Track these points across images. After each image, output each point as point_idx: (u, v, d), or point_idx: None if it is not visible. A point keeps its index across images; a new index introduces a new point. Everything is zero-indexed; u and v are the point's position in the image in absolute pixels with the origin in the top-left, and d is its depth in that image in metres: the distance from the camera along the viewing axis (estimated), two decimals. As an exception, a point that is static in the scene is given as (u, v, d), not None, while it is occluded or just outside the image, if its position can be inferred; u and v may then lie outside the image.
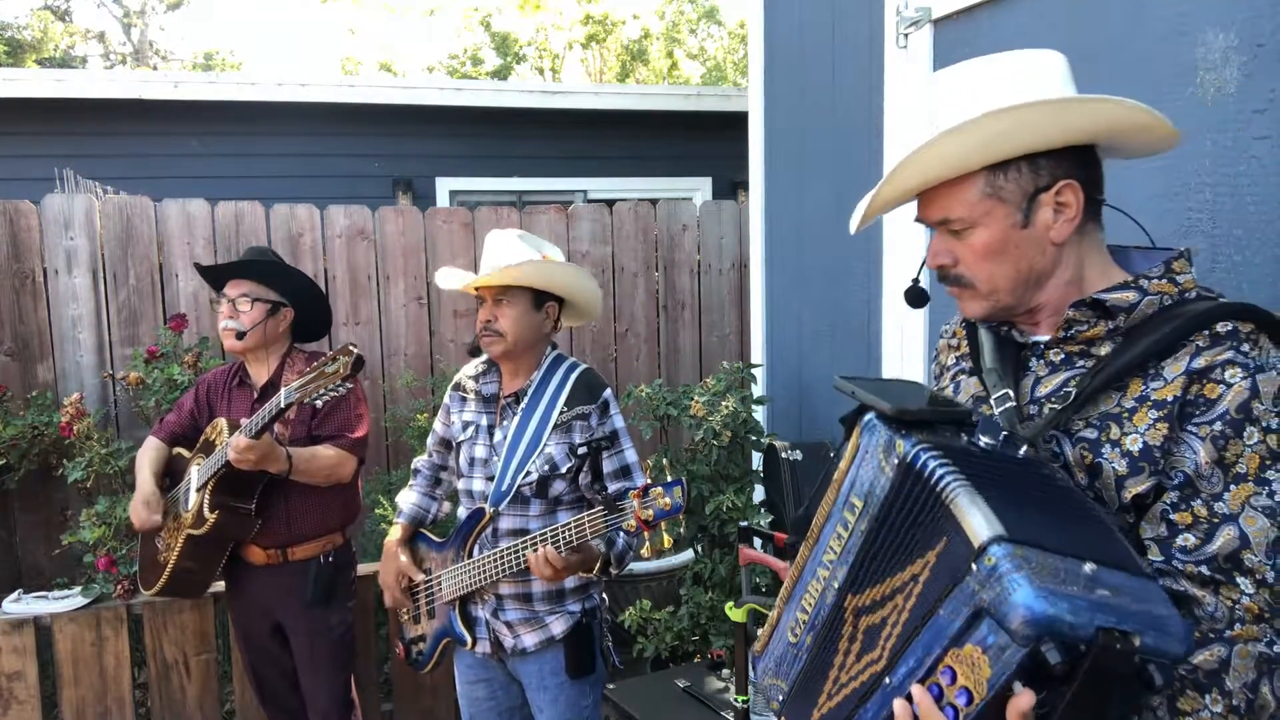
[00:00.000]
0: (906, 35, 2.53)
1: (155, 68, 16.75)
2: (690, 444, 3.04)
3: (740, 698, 2.20)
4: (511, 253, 2.18)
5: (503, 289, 2.14)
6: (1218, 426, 1.00)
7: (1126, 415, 1.05)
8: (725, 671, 2.65)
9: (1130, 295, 1.09)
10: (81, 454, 3.18)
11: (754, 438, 3.01)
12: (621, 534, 2.09)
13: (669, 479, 1.88)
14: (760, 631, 1.23)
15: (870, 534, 1.01)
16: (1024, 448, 1.04)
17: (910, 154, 1.09)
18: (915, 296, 1.31)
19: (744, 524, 2.43)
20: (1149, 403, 1.04)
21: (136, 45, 17.39)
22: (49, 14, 15.80)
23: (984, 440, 1.01)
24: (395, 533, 2.35)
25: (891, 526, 0.98)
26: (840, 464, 1.10)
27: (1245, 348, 1.01)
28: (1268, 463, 0.99)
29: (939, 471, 0.93)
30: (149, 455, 2.61)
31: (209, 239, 3.82)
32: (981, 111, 1.05)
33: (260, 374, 2.59)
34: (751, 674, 1.23)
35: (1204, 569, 0.99)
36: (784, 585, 1.18)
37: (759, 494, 3.09)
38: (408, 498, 2.44)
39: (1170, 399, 1.02)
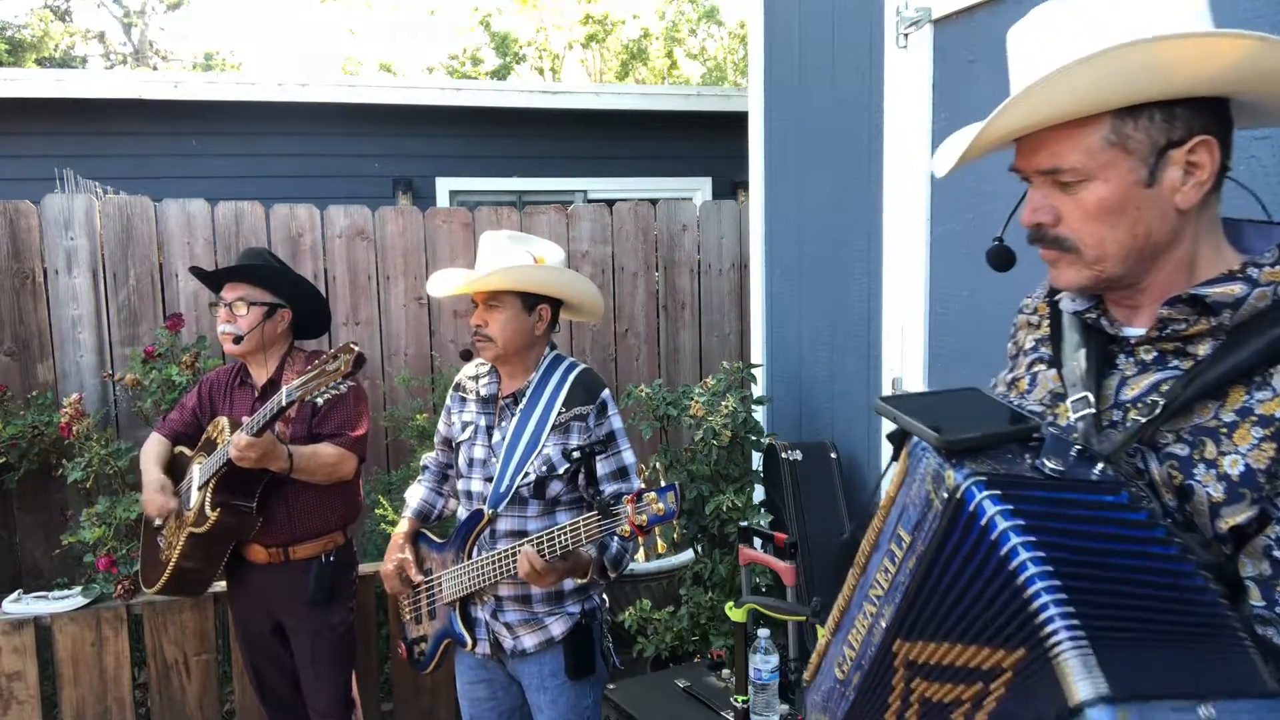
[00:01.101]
0: (906, 35, 2.53)
1: (155, 68, 16.75)
2: (690, 444, 3.04)
3: (740, 698, 2.20)
4: (500, 255, 2.17)
5: (491, 293, 2.13)
6: None
7: (1225, 431, 0.91)
8: (725, 671, 2.65)
9: (1236, 288, 0.93)
10: (81, 454, 3.18)
11: (754, 438, 3.01)
12: (615, 538, 2.08)
13: (663, 484, 1.87)
14: (812, 658, 1.14)
15: (920, 575, 0.91)
16: (1099, 466, 0.90)
17: (1036, 82, 0.91)
18: (1000, 257, 1.13)
19: (744, 524, 2.43)
20: (1253, 417, 0.89)
21: (136, 45, 17.39)
22: (49, 14, 15.81)
23: (1049, 466, 0.88)
24: (402, 525, 2.37)
25: (945, 572, 0.88)
26: (888, 489, 1.00)
27: None
28: None
29: (999, 524, 0.81)
30: (153, 450, 2.62)
31: (209, 239, 3.82)
32: (1119, 41, 0.88)
33: (261, 374, 2.59)
34: (807, 700, 1.15)
35: None
36: (833, 611, 1.08)
37: (759, 494, 3.09)
38: (416, 492, 2.45)
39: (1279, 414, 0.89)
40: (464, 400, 2.33)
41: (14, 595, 3.03)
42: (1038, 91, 0.92)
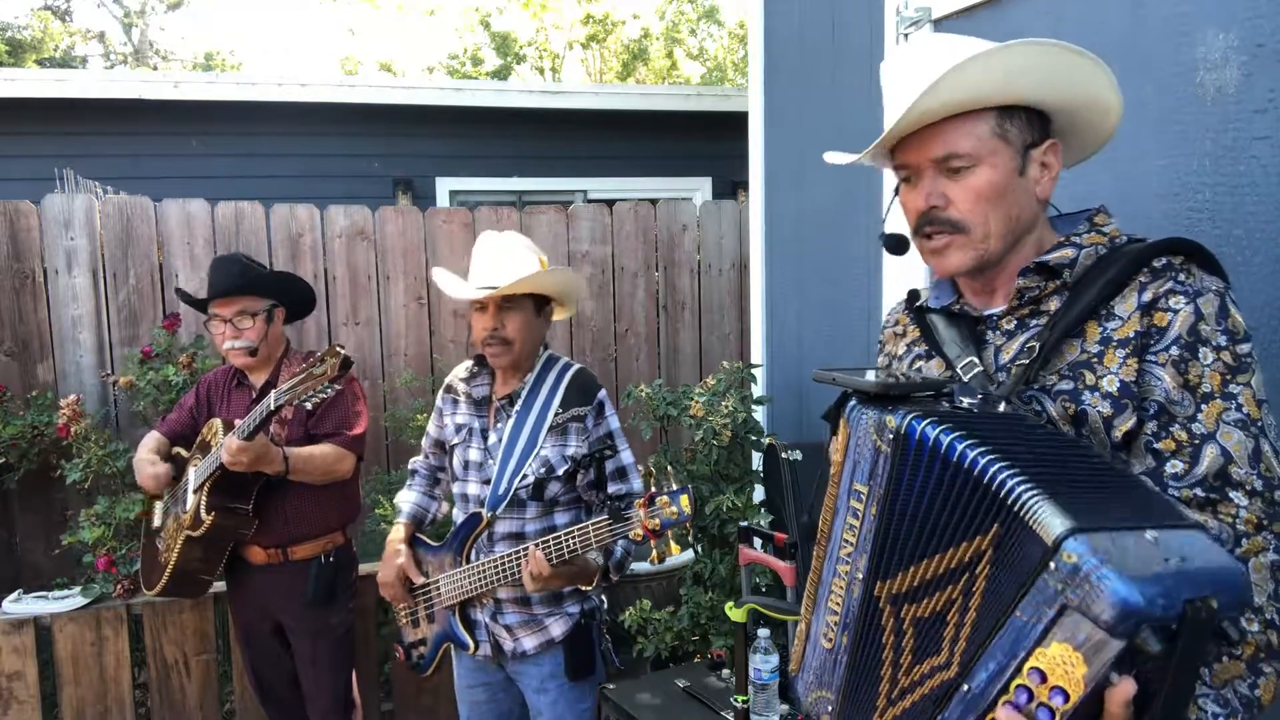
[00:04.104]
0: (906, 35, 2.53)
1: (155, 68, 16.74)
2: (690, 444, 3.04)
3: (740, 698, 2.20)
4: (517, 259, 2.13)
5: (506, 297, 2.09)
6: (1174, 351, 1.04)
7: (1095, 359, 1.09)
8: (725, 671, 2.65)
9: (1069, 252, 1.14)
10: (80, 455, 3.18)
11: (754, 438, 3.01)
12: (620, 542, 2.06)
13: (674, 486, 1.84)
14: (792, 651, 1.19)
15: (885, 514, 1.01)
16: (1001, 405, 1.06)
17: (955, 66, 1.07)
18: (897, 243, 1.29)
19: (744, 524, 2.43)
20: (1113, 343, 1.08)
21: (136, 45, 17.39)
22: (49, 14, 15.80)
23: (966, 402, 1.04)
24: (398, 532, 2.34)
25: (907, 501, 0.98)
26: (834, 458, 1.10)
27: (1181, 276, 1.07)
28: (1228, 378, 1.03)
29: (944, 440, 0.94)
30: (149, 443, 2.63)
31: (209, 239, 3.82)
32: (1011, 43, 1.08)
33: (260, 375, 2.59)
34: (795, 692, 1.20)
35: (1198, 491, 1.02)
36: (805, 596, 1.16)
37: (759, 494, 3.09)
38: (407, 497, 2.42)
39: (1132, 334, 1.07)
40: (455, 402, 2.30)
41: (14, 595, 3.03)
42: (958, 74, 1.08)
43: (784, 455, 2.95)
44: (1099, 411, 1.07)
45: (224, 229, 3.84)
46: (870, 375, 1.11)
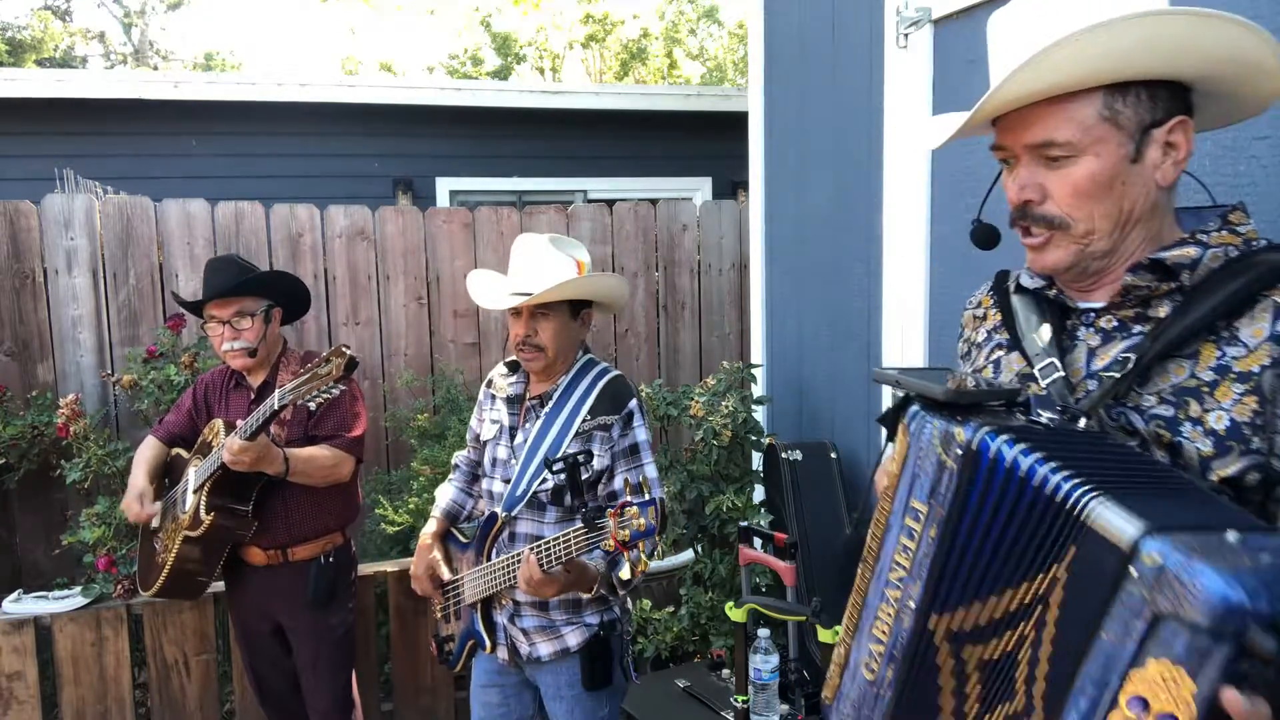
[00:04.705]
0: (906, 35, 2.52)
1: (155, 68, 16.74)
2: (690, 444, 3.04)
3: (740, 698, 2.20)
4: (550, 263, 2.09)
5: (540, 304, 2.06)
6: None
7: (1206, 390, 0.94)
8: (725, 671, 2.65)
9: (1192, 251, 0.98)
10: (80, 454, 3.18)
11: (754, 438, 3.01)
12: (625, 556, 2.04)
13: (646, 496, 1.77)
14: (829, 673, 1.08)
15: (945, 539, 0.90)
16: (1082, 421, 0.94)
17: (1049, 46, 0.92)
18: (985, 236, 1.15)
19: (744, 524, 2.43)
20: (1231, 374, 0.93)
21: (136, 45, 17.39)
22: (49, 14, 15.80)
23: (1045, 416, 0.92)
24: (431, 526, 2.33)
25: (975, 527, 0.88)
26: (890, 468, 0.99)
27: None
28: None
29: (1023, 461, 0.83)
30: (145, 454, 2.61)
31: (209, 239, 3.82)
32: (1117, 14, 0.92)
33: (257, 375, 2.59)
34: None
35: None
36: (846, 618, 1.05)
37: (759, 494, 3.09)
38: (445, 492, 2.40)
39: (1257, 369, 0.92)
40: (494, 398, 2.28)
41: (14, 595, 3.03)
42: (1049, 56, 0.93)
43: (784, 455, 2.95)
44: (1197, 448, 0.93)
45: (224, 229, 3.84)
46: (936, 380, 0.98)
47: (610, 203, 4.47)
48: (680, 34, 15.06)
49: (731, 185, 6.38)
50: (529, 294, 2.03)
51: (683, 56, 15.13)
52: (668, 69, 14.66)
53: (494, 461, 2.21)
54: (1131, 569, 0.74)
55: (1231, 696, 0.67)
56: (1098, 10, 0.94)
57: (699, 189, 6.54)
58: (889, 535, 0.97)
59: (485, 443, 2.25)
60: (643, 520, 1.73)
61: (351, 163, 5.88)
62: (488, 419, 2.28)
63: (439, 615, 2.35)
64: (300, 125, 5.78)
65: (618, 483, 2.08)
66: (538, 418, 2.14)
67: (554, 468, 1.94)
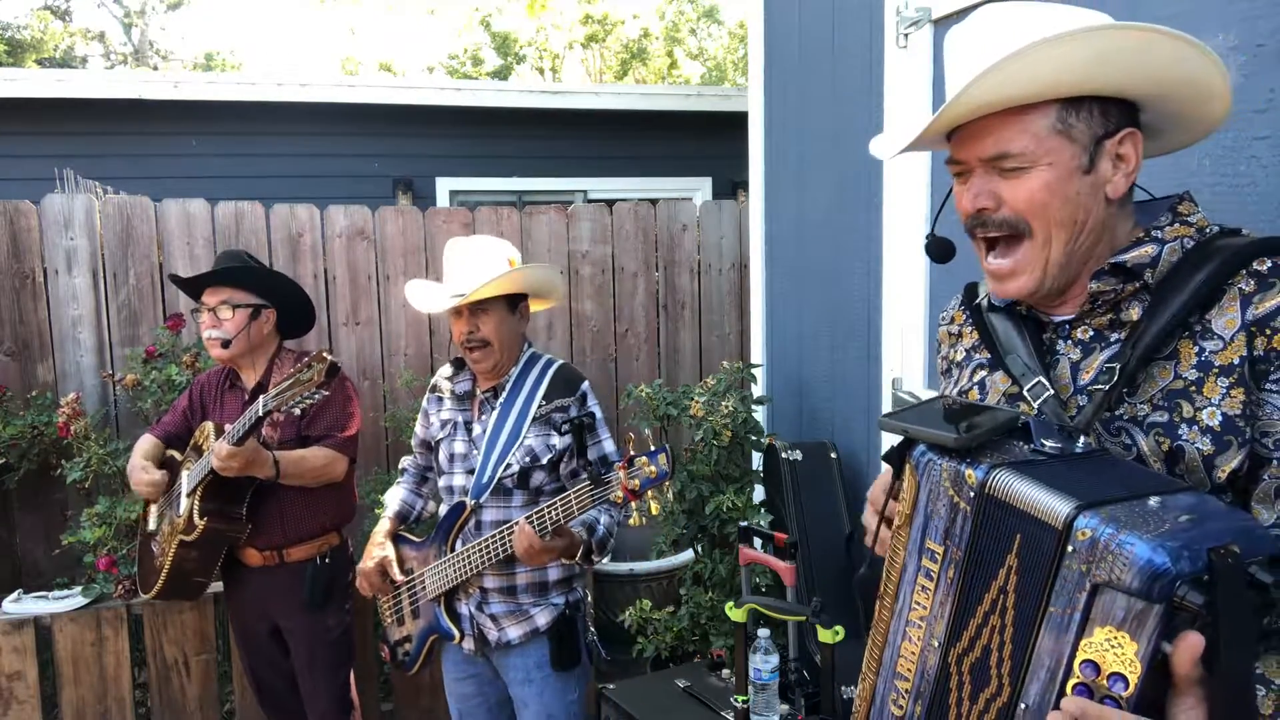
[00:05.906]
0: (906, 35, 2.53)
1: (155, 68, 16.75)
2: (690, 444, 3.04)
3: (740, 698, 2.20)
4: (482, 263, 2.20)
5: (478, 301, 2.16)
6: None
7: (1194, 388, 0.95)
8: (725, 671, 2.65)
9: (1149, 249, 1.00)
10: (80, 454, 3.18)
11: (754, 438, 3.01)
12: (603, 520, 2.12)
13: (652, 447, 1.86)
14: (854, 707, 1.11)
15: (964, 580, 0.93)
16: (1081, 440, 0.95)
17: (1001, 60, 0.94)
18: (940, 249, 1.16)
19: (744, 524, 2.43)
20: (1214, 369, 0.94)
21: (136, 45, 17.39)
22: (49, 14, 15.81)
23: (1048, 445, 0.94)
24: (383, 525, 2.38)
25: (990, 565, 0.91)
26: (900, 509, 1.01)
27: None
28: None
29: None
30: (143, 446, 2.62)
31: (209, 239, 3.82)
32: (1078, 26, 0.94)
33: (250, 377, 2.59)
34: None
35: None
36: (867, 654, 1.08)
37: (759, 494, 3.09)
38: (395, 494, 2.47)
39: (1237, 360, 0.93)
40: (440, 400, 2.36)
41: (14, 595, 3.03)
42: (1005, 67, 0.95)
43: (784, 455, 2.95)
44: (1198, 448, 0.94)
45: (224, 229, 3.84)
46: (936, 416, 1.01)
47: (610, 203, 4.47)
48: (680, 34, 15.07)
49: (731, 185, 6.38)
50: (464, 294, 2.13)
51: (683, 56, 15.14)
52: (668, 69, 14.67)
53: (452, 457, 2.27)
54: (1069, 546, 0.80)
55: (1168, 649, 0.75)
56: (1054, 26, 0.97)
57: (699, 189, 6.54)
58: (905, 575, 1.00)
59: (439, 442, 2.31)
60: (654, 467, 1.84)
61: (351, 163, 5.88)
62: (436, 421, 2.35)
63: (389, 619, 2.38)
64: (300, 125, 5.78)
65: (592, 454, 2.19)
66: (493, 409, 2.23)
67: (562, 429, 2.07)
